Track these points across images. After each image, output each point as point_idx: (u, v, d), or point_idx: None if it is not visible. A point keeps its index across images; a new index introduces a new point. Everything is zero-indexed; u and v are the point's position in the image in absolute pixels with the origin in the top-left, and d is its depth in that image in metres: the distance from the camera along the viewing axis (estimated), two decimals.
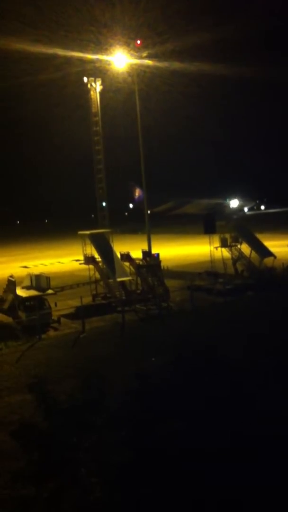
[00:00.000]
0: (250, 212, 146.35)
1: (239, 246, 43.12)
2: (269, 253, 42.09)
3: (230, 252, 43.05)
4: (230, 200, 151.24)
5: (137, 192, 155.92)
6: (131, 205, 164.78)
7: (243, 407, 16.47)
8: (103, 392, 16.13)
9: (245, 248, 43.07)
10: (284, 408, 16.20)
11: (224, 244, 42.88)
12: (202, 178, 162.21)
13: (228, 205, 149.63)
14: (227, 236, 43.14)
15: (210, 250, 42.97)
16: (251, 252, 42.67)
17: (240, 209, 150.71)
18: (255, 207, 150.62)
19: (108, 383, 19.12)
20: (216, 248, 42.81)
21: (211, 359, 21.40)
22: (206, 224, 43.70)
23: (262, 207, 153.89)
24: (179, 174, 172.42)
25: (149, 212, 45.20)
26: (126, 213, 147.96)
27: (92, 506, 12.01)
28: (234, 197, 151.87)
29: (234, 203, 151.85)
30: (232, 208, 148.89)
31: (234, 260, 43.01)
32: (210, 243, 43.01)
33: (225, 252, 42.87)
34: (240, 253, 43.11)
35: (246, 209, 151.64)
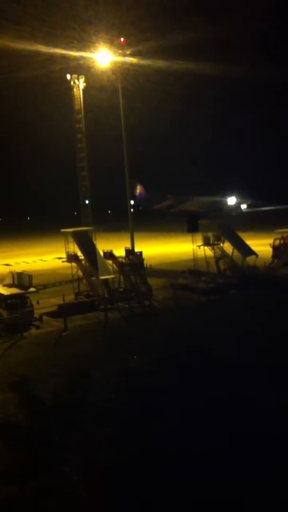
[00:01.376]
0: (247, 210, 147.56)
1: (221, 244, 43.33)
2: (251, 252, 42.37)
3: (213, 251, 43.24)
4: (228, 197, 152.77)
5: (138, 190, 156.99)
6: (132, 202, 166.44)
7: (232, 406, 16.67)
8: (86, 390, 16.13)
9: (227, 246, 43.31)
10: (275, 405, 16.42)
11: (206, 242, 43.04)
12: (196, 176, 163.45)
13: (226, 203, 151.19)
14: (210, 235, 43.30)
15: (193, 249, 43.11)
16: (233, 250, 42.91)
17: (237, 206, 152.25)
18: (251, 205, 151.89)
19: (91, 381, 19.16)
20: (199, 246, 42.96)
21: (195, 357, 21.60)
22: (189, 223, 43.82)
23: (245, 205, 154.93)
24: (174, 172, 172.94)
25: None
26: (109, 211, 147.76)
27: (77, 505, 11.99)
28: (232, 195, 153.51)
29: (231, 200, 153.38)
30: (230, 206, 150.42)
31: (217, 259, 43.21)
32: (193, 242, 43.15)
33: (208, 251, 43.04)
34: (223, 251, 43.32)
35: (243, 207, 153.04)
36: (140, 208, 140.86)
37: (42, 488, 12.42)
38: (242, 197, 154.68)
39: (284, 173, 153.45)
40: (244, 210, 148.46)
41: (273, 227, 51.97)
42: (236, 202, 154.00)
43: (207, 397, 17.36)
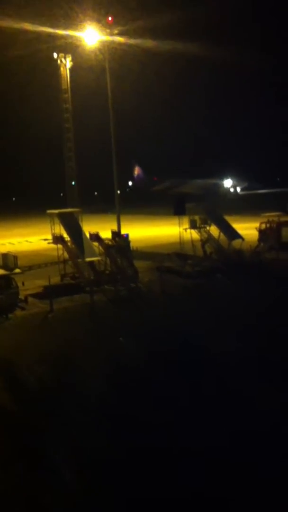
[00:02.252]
0: (242, 192, 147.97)
1: (208, 228, 43.35)
2: (237, 235, 42.48)
3: (199, 234, 43.27)
4: (224, 180, 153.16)
5: (137, 171, 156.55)
6: (130, 183, 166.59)
7: (214, 389, 16.84)
8: (71, 374, 16.12)
9: (214, 230, 43.35)
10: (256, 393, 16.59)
11: (193, 225, 43.02)
12: (192, 158, 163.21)
13: (222, 185, 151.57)
14: (196, 218, 43.27)
15: (180, 232, 43.09)
16: (219, 234, 42.98)
17: (233, 189, 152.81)
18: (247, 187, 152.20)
19: (76, 364, 19.15)
20: (186, 229, 42.95)
21: (180, 340, 21.67)
22: (176, 205, 43.74)
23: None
24: (169, 154, 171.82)
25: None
26: (96, 193, 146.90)
27: (60, 489, 12.04)
28: (228, 178, 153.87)
29: (227, 183, 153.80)
30: (226, 188, 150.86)
31: (203, 242, 43.27)
32: (179, 225, 43.11)
33: (194, 234, 43.06)
34: (209, 235, 43.37)
35: (238, 189, 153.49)
36: (140, 188, 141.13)
37: (27, 472, 12.49)
38: (238, 179, 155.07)
39: (282, 155, 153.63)
40: (240, 193, 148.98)
41: (263, 211, 52.08)
42: (232, 185, 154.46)
43: (190, 380, 17.53)
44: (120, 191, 51.10)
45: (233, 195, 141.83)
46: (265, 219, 47.39)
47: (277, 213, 48.60)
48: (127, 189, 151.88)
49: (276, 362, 19.16)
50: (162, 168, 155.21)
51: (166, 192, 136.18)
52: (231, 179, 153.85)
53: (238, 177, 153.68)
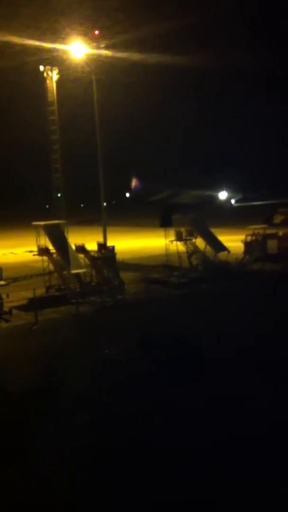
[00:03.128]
0: (236, 204, 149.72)
1: (194, 240, 43.55)
2: (223, 248, 42.76)
3: (185, 246, 43.42)
4: (219, 192, 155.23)
5: (134, 182, 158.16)
6: (127, 194, 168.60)
7: (201, 392, 16.84)
8: (57, 382, 16.03)
9: (200, 242, 43.56)
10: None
11: (179, 238, 43.20)
12: (187, 169, 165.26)
13: (218, 197, 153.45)
14: (183, 230, 43.48)
15: (166, 244, 43.21)
16: (205, 246, 43.18)
17: (227, 200, 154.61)
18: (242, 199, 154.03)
19: (62, 373, 19.03)
20: (172, 241, 43.08)
21: (167, 350, 21.63)
22: (163, 217, 43.91)
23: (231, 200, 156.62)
24: (161, 164, 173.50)
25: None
26: (82, 205, 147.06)
27: (53, 492, 11.97)
28: (223, 189, 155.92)
29: (222, 195, 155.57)
30: (221, 200, 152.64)
31: (189, 254, 43.43)
32: (165, 237, 43.25)
33: (180, 246, 43.19)
34: (195, 247, 43.57)
35: (233, 201, 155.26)
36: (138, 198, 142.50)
37: (19, 475, 12.46)
38: (233, 191, 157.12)
39: (278, 167, 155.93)
40: (234, 205, 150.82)
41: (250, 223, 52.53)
42: (227, 197, 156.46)
43: (176, 386, 17.51)
44: (118, 201, 51.23)
45: (229, 207, 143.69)
46: (251, 232, 47.79)
47: (263, 226, 49.08)
48: (113, 201, 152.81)
49: (257, 362, 19.53)
50: (156, 179, 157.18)
51: (163, 202, 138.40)
52: (226, 191, 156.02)
53: (233, 188, 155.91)
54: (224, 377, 18.29)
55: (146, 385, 17.91)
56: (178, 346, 21.70)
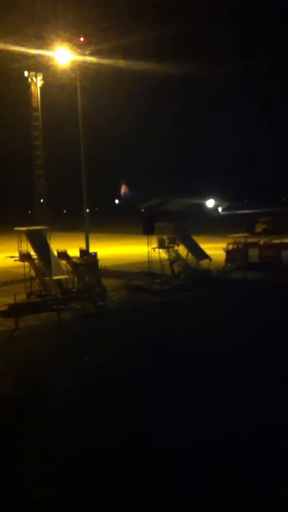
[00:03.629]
0: (223, 212, 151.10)
1: (176, 247, 43.72)
2: (205, 256, 43.00)
3: (168, 254, 43.56)
4: (207, 200, 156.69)
5: (123, 189, 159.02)
6: (116, 201, 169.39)
7: (181, 397, 16.88)
8: (36, 389, 15.90)
9: (182, 249, 43.73)
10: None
11: (161, 245, 43.34)
12: (173, 177, 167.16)
13: (205, 205, 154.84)
14: (165, 237, 43.64)
15: (148, 251, 43.27)
16: (187, 254, 43.36)
17: (215, 209, 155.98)
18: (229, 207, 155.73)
19: (43, 381, 18.89)
20: (154, 249, 43.17)
21: (147, 356, 21.64)
22: (145, 225, 44.04)
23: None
24: (146, 173, 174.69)
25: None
26: (65, 211, 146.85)
27: (30, 504, 11.83)
28: (210, 197, 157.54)
29: (210, 203, 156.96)
30: (209, 208, 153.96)
31: (171, 261, 43.56)
32: (148, 244, 43.32)
33: (162, 253, 43.30)
34: (177, 254, 43.73)
35: (220, 209, 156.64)
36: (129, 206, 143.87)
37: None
38: (220, 199, 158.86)
39: (265, 175, 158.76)
40: (221, 213, 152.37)
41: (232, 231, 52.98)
42: (214, 205, 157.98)
43: (156, 393, 17.51)
44: (106, 208, 51.22)
45: (216, 214, 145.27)
46: (232, 240, 48.21)
47: (244, 234, 49.54)
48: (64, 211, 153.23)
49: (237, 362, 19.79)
50: (145, 186, 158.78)
51: (152, 209, 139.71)
52: (213, 199, 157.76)
53: (220, 196, 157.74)
54: (202, 386, 18.34)
55: (126, 394, 17.86)
56: (158, 355, 21.71)
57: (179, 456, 13.54)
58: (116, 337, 25.79)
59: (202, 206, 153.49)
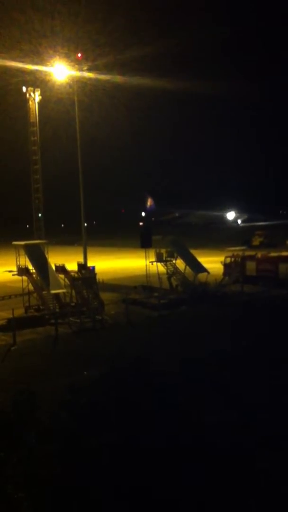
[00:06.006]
0: (243, 224, 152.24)
1: (174, 261, 43.77)
2: (202, 269, 43.04)
3: (165, 267, 43.59)
4: (227, 212, 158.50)
5: (149, 202, 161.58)
6: (143, 213, 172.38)
7: (177, 423, 16.71)
8: (34, 406, 15.83)
9: (180, 263, 43.79)
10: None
11: (159, 259, 43.38)
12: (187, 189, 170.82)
13: (226, 217, 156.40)
14: (163, 251, 43.72)
15: (146, 265, 43.32)
16: (185, 267, 43.43)
17: (235, 221, 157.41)
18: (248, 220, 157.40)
19: (39, 396, 18.79)
20: (152, 262, 43.22)
21: (143, 372, 21.51)
22: (143, 238, 44.14)
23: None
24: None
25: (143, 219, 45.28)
26: (63, 225, 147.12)
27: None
28: (231, 210, 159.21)
29: (230, 215, 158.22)
30: (229, 220, 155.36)
31: (169, 275, 43.58)
32: (146, 257, 43.39)
33: (160, 267, 43.35)
34: (175, 268, 43.76)
35: (239, 221, 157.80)
36: (153, 219, 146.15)
37: None
38: (240, 212, 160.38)
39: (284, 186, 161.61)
40: (240, 224, 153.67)
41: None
42: (234, 217, 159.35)
43: (150, 410, 17.35)
44: (76, 223, 51.27)
45: (236, 226, 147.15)
46: (230, 253, 48.33)
47: (242, 247, 49.69)
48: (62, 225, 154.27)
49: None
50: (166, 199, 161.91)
51: (174, 222, 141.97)
52: (234, 211, 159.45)
53: (240, 209, 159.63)
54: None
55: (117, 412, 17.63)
56: (155, 371, 21.48)
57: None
58: (111, 352, 25.72)
59: (222, 218, 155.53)
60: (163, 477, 13.27)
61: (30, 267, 36.24)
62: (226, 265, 48.11)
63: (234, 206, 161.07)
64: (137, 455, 14.15)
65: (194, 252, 46.28)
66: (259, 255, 48.20)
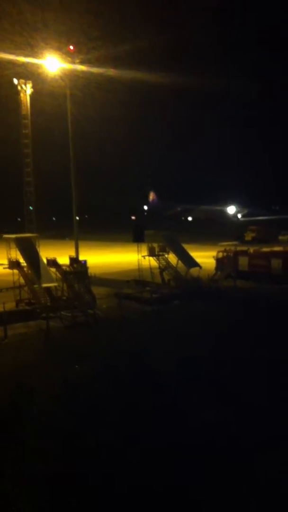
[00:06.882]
0: (243, 219, 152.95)
1: (166, 255, 43.64)
2: (195, 264, 42.96)
3: (158, 262, 43.47)
4: (228, 207, 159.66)
5: (151, 196, 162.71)
6: (145, 207, 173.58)
7: (169, 418, 16.65)
8: (26, 400, 15.68)
9: (172, 257, 43.69)
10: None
11: (151, 253, 43.24)
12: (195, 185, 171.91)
13: (227, 211, 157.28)
14: (155, 245, 43.57)
15: (138, 259, 43.16)
16: (177, 262, 43.33)
17: (235, 215, 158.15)
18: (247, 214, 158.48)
19: (31, 390, 18.63)
20: (144, 257, 43.07)
21: (135, 366, 21.46)
22: (135, 232, 43.96)
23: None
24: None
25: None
26: (54, 218, 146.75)
27: None
28: (231, 204, 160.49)
29: (231, 210, 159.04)
30: (229, 214, 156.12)
31: (161, 269, 43.46)
32: (138, 252, 43.23)
33: (152, 261, 43.20)
34: (168, 262, 43.64)
35: (239, 216, 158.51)
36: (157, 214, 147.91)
37: None
38: (241, 206, 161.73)
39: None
40: (240, 219, 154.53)
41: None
42: (234, 212, 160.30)
43: (142, 407, 17.29)
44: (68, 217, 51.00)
45: (236, 221, 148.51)
46: (222, 248, 48.31)
47: (234, 242, 49.69)
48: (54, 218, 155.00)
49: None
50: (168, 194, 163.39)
51: (177, 216, 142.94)
52: (234, 206, 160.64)
53: (240, 203, 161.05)
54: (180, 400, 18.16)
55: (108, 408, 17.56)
56: (145, 366, 21.39)
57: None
58: (103, 346, 25.61)
59: (223, 213, 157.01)
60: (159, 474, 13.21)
61: (21, 260, 35.94)
62: (218, 260, 48.08)
63: (235, 201, 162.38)
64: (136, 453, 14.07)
65: (188, 246, 46.19)
66: (251, 250, 48.23)
